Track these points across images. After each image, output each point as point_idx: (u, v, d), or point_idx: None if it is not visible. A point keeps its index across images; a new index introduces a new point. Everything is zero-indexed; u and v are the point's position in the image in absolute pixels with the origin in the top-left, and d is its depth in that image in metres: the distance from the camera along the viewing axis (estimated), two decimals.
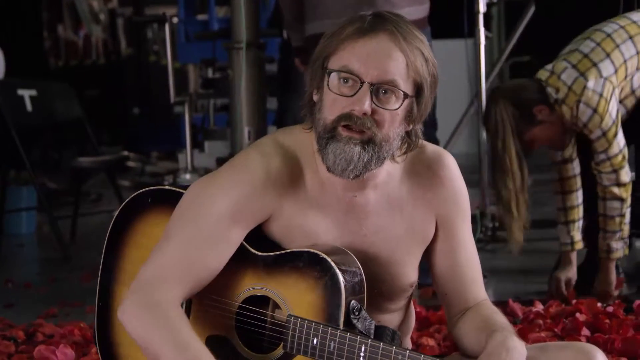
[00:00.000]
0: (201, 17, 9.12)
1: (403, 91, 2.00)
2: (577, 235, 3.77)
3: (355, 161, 2.01)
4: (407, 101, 2.02)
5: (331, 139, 2.01)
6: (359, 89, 1.99)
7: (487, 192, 5.09)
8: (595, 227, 3.74)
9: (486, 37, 4.99)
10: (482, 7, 4.87)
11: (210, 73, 7.76)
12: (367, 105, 1.98)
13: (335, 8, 3.60)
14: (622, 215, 3.58)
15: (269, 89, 5.51)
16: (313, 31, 3.74)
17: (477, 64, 5.03)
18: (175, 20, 8.28)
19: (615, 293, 3.66)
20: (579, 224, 3.78)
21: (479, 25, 4.92)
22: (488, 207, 5.10)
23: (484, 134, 5.12)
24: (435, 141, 3.76)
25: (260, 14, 4.94)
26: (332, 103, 2.02)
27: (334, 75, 2.01)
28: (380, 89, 1.99)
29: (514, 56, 8.09)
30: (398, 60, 1.99)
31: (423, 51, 2.02)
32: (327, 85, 2.02)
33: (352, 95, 1.99)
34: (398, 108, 2.01)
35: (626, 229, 3.62)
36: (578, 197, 3.77)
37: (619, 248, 3.62)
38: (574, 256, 3.79)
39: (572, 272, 3.77)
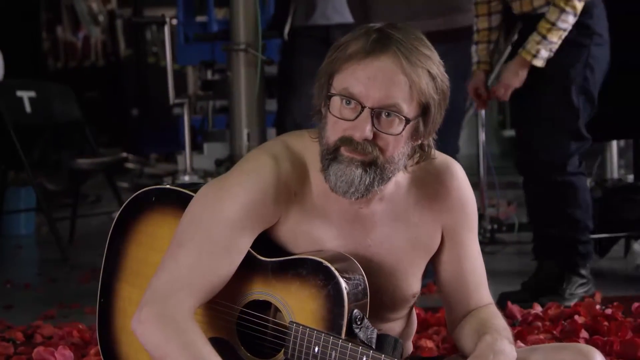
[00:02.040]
0: (200, 18, 9.11)
1: (405, 117, 1.96)
2: (484, 57, 4.01)
3: (357, 184, 1.98)
4: (411, 123, 1.98)
5: (333, 160, 1.99)
6: (360, 113, 1.96)
7: (486, 194, 5.09)
8: (545, 243, 3.80)
9: None
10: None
11: (209, 75, 7.75)
12: (367, 131, 1.95)
13: (387, 16, 3.70)
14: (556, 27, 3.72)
15: (268, 90, 5.51)
16: None
17: None
18: (174, 21, 8.28)
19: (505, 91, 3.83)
20: (487, 47, 4.01)
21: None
22: (487, 209, 5.10)
23: (483, 135, 5.14)
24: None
25: (259, 15, 4.94)
26: (334, 125, 1.99)
27: (335, 98, 1.99)
28: (383, 113, 1.96)
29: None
30: (401, 84, 1.95)
31: (430, 69, 1.97)
32: (329, 108, 2.00)
33: (353, 120, 1.97)
34: (400, 132, 1.97)
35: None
36: (491, 21, 3.99)
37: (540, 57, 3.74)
38: (478, 72, 4.02)
39: (478, 82, 4.00)
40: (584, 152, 3.85)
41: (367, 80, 1.95)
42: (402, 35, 1.97)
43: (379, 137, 1.97)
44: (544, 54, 3.70)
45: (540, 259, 3.89)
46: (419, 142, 2.04)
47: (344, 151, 1.98)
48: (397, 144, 1.99)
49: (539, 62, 3.71)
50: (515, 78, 3.77)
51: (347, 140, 1.97)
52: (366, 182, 1.99)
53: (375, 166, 1.98)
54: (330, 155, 2.00)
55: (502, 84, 3.83)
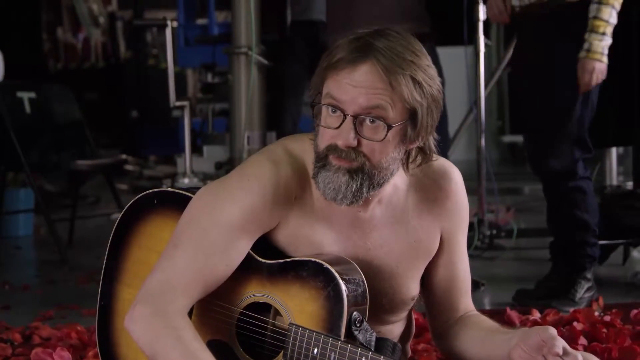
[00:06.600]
0: (201, 21, 9.13)
1: (387, 123, 1.97)
2: None
3: (344, 191, 2.00)
4: (395, 129, 1.98)
5: (322, 168, 2.01)
6: (343, 121, 1.97)
7: (485, 200, 5.09)
8: (559, 245, 3.80)
9: (486, 45, 5.00)
10: (482, 16, 4.88)
11: (209, 77, 7.76)
12: (350, 139, 1.97)
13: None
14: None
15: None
16: None
17: (476, 72, 5.03)
18: (174, 24, 8.29)
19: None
20: None
21: (479, 33, 4.93)
22: (486, 214, 5.10)
23: (482, 141, 5.14)
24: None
25: (252, 19, 4.96)
26: (322, 133, 2.02)
27: (322, 107, 2.01)
28: (366, 119, 1.97)
29: None
30: (381, 91, 1.95)
31: (415, 75, 1.96)
32: (316, 116, 2.02)
33: (337, 128, 1.98)
34: (383, 139, 1.98)
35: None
36: None
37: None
38: None
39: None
40: (586, 159, 3.86)
41: (348, 88, 1.96)
42: (385, 42, 1.97)
43: (364, 144, 1.98)
44: (607, 51, 3.73)
45: (555, 261, 3.92)
46: (414, 145, 2.05)
47: (332, 159, 2.00)
48: (384, 150, 1.99)
49: (605, 59, 3.73)
50: (591, 80, 3.72)
51: (333, 148, 1.99)
52: (353, 189, 2.00)
53: (362, 172, 1.99)
54: (320, 163, 2.02)
55: (583, 89, 3.75)
